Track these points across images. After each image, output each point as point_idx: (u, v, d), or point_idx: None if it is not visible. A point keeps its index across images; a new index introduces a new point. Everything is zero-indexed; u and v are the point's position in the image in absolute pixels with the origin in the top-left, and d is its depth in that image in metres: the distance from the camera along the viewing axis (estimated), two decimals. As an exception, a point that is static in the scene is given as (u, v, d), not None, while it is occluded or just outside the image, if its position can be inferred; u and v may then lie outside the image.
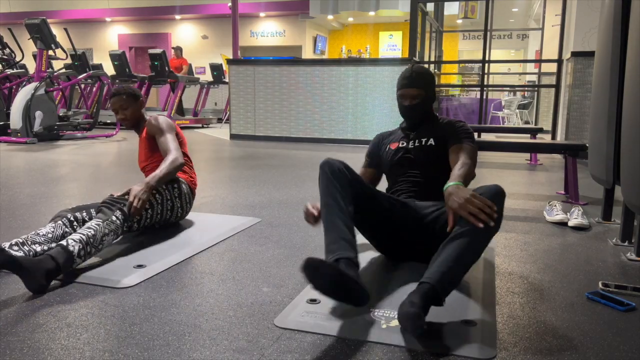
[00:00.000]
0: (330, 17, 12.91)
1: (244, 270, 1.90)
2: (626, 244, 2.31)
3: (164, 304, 1.58)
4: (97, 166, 4.50)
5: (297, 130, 7.00)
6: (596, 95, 2.57)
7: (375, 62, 7.35)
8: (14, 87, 7.73)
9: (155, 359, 1.26)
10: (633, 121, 1.92)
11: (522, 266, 2.02)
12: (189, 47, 14.54)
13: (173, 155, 2.31)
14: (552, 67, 6.88)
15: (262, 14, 14.52)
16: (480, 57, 6.99)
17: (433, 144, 1.99)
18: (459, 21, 13.21)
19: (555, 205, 2.80)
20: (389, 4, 8.24)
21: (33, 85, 6.54)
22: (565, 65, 5.76)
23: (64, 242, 1.75)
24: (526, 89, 10.79)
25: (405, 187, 1.99)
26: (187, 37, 15.19)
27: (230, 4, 9.25)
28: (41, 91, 6.58)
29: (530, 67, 11.48)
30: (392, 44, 15.76)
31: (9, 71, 7.93)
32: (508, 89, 11.19)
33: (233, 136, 7.30)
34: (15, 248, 1.86)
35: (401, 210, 1.88)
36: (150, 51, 9.10)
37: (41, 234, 1.99)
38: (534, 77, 10.81)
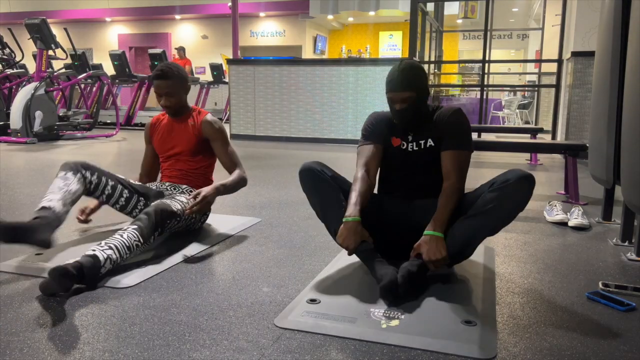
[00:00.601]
0: (330, 17, 12.91)
1: (244, 270, 1.90)
2: (626, 244, 2.31)
3: (164, 304, 1.58)
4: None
5: (297, 130, 7.00)
6: (596, 95, 2.57)
7: (375, 62, 7.35)
8: (14, 87, 7.72)
9: (155, 359, 1.26)
10: (633, 121, 1.92)
11: (522, 266, 2.02)
12: (189, 47, 14.52)
13: (242, 171, 2.37)
14: (552, 67, 6.88)
15: (262, 14, 14.53)
16: (480, 57, 6.99)
17: (432, 144, 1.91)
18: (459, 21, 13.21)
19: (555, 205, 2.80)
20: (389, 4, 8.24)
21: (33, 85, 6.54)
22: (565, 65, 5.76)
23: (95, 253, 1.73)
24: (526, 89, 10.79)
25: (401, 185, 1.97)
26: (187, 37, 15.19)
27: (230, 4, 9.25)
28: (41, 91, 6.57)
29: (530, 67, 11.47)
30: (392, 44, 15.77)
31: (9, 71, 7.92)
32: (508, 89, 11.19)
33: (233, 136, 7.30)
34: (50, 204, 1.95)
35: (391, 208, 1.91)
36: (150, 51, 9.10)
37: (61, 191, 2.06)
38: (534, 77, 10.80)
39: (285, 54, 13.40)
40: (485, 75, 8.15)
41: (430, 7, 8.31)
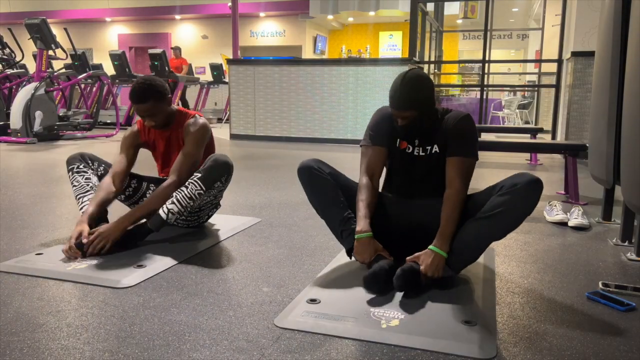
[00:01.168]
0: (330, 17, 12.90)
1: (244, 270, 1.90)
2: (626, 244, 2.31)
3: (164, 304, 1.58)
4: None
5: (297, 130, 7.00)
6: (596, 95, 2.57)
7: (375, 62, 7.35)
8: (14, 87, 7.72)
9: (155, 359, 1.26)
10: (633, 121, 1.92)
11: (522, 266, 2.02)
12: (189, 47, 14.54)
13: (177, 181, 2.12)
14: (552, 67, 6.88)
15: (262, 14, 14.53)
16: (480, 57, 6.99)
17: (438, 151, 1.86)
18: (459, 21, 13.20)
19: (555, 205, 2.80)
20: (389, 4, 8.24)
21: (33, 85, 6.54)
22: (565, 65, 5.76)
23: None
24: (526, 89, 10.79)
25: (405, 186, 1.95)
26: (187, 37, 15.19)
27: (230, 4, 9.25)
28: (41, 91, 6.57)
29: (530, 67, 11.47)
30: (392, 44, 15.76)
31: (9, 71, 7.92)
32: (508, 89, 11.19)
33: (233, 136, 7.30)
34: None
35: (393, 207, 1.92)
36: (150, 51, 9.09)
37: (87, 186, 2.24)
38: (534, 77, 10.80)
39: (285, 54, 13.39)
40: (485, 75, 8.15)
41: (430, 7, 8.31)
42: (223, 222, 2.57)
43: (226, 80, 9.54)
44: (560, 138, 5.87)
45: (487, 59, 7.31)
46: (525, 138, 5.31)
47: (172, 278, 1.81)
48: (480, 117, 6.97)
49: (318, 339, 1.37)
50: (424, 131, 1.86)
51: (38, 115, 6.50)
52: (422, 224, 1.84)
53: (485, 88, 7.65)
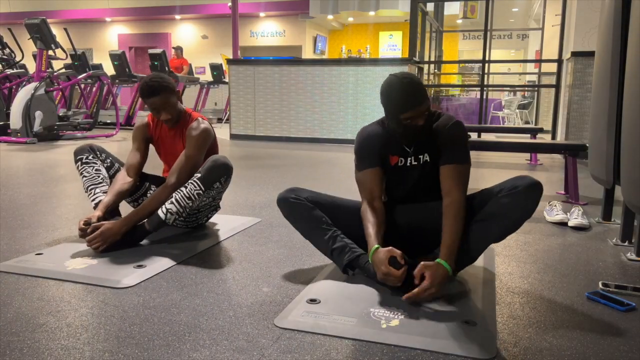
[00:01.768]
0: (330, 17, 12.91)
1: (244, 270, 1.90)
2: (626, 244, 2.31)
3: (164, 304, 1.58)
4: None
5: (297, 130, 7.00)
6: (596, 95, 2.57)
7: (375, 62, 7.36)
8: (14, 87, 7.72)
9: (155, 359, 1.26)
10: (633, 121, 1.92)
11: (522, 266, 2.02)
12: (189, 47, 14.53)
13: (175, 183, 2.13)
14: (552, 67, 6.88)
15: (262, 14, 14.53)
16: (480, 57, 6.99)
17: (428, 160, 1.81)
18: (459, 21, 13.20)
19: (555, 205, 2.80)
20: (389, 4, 8.24)
21: (33, 85, 6.54)
22: (565, 65, 5.76)
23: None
24: (526, 89, 10.79)
25: (401, 196, 1.91)
26: (187, 37, 15.19)
27: (230, 4, 9.25)
28: (41, 91, 6.57)
29: (530, 67, 11.47)
30: (392, 44, 15.76)
31: (9, 71, 7.92)
32: (508, 89, 11.19)
33: (233, 136, 7.30)
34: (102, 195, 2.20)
35: (392, 212, 1.87)
36: (150, 51, 9.09)
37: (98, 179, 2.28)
38: (534, 77, 10.81)
39: (285, 54, 13.39)
40: (485, 75, 8.15)
41: (430, 7, 8.31)
42: (223, 222, 2.56)
43: (226, 80, 9.54)
44: (560, 138, 5.87)
45: (487, 59, 7.31)
46: (525, 138, 5.31)
47: (172, 278, 1.81)
48: (480, 117, 6.97)
49: (318, 339, 1.37)
50: (423, 133, 1.78)
51: (38, 115, 6.50)
52: (419, 226, 1.82)
53: (485, 88, 7.65)
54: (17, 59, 8.36)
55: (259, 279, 1.82)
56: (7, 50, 8.36)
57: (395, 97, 1.71)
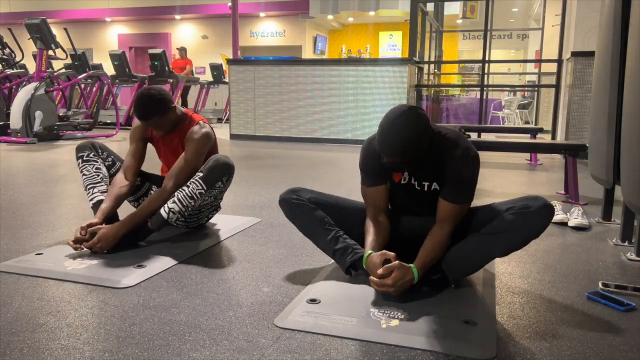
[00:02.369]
0: (330, 17, 12.91)
1: (244, 270, 1.90)
2: (626, 244, 2.31)
3: (164, 304, 1.58)
4: (97, 166, 4.49)
5: (297, 130, 7.00)
6: (596, 95, 2.57)
7: (375, 62, 7.35)
8: (14, 87, 7.72)
9: (155, 359, 1.26)
10: (633, 121, 1.92)
11: (522, 266, 2.02)
12: (189, 47, 14.50)
13: (172, 187, 2.13)
14: (552, 67, 6.88)
15: (262, 14, 14.52)
16: (480, 57, 6.99)
17: (437, 188, 1.74)
18: (459, 21, 13.20)
19: (555, 205, 2.80)
20: (389, 4, 8.24)
21: (33, 85, 6.53)
22: (565, 65, 5.76)
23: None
24: (526, 89, 10.79)
25: (402, 209, 1.88)
26: (187, 37, 15.19)
27: (230, 4, 9.25)
28: (41, 91, 6.57)
29: (530, 67, 11.48)
30: (392, 44, 15.76)
31: (9, 71, 7.92)
32: (508, 89, 11.18)
33: (233, 136, 7.30)
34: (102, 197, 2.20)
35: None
36: (150, 51, 9.09)
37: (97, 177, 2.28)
38: (534, 77, 10.81)
39: (285, 54, 13.39)
40: (485, 75, 8.15)
41: (430, 7, 8.31)
42: (223, 222, 2.56)
43: (226, 80, 9.54)
44: (560, 138, 5.87)
45: (487, 59, 7.31)
46: (525, 138, 5.32)
47: (172, 278, 1.81)
48: (480, 117, 6.97)
49: (318, 339, 1.37)
50: (412, 169, 1.75)
51: (38, 115, 6.49)
52: (420, 234, 1.77)
53: (485, 88, 7.65)
54: (17, 59, 8.36)
55: (259, 279, 1.82)
56: (7, 50, 8.36)
57: (379, 129, 1.62)
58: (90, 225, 2.04)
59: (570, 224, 2.61)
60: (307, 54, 14.59)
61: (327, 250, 1.84)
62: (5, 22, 14.56)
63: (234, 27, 9.19)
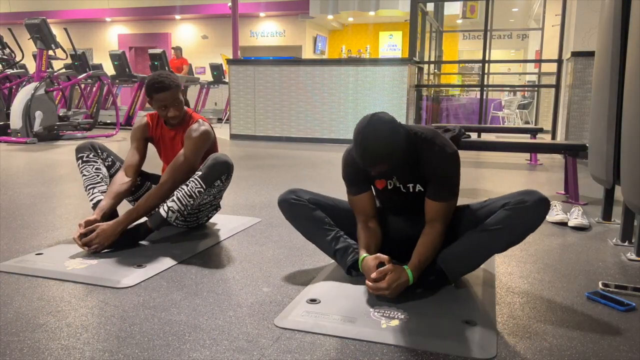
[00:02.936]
0: (330, 17, 12.90)
1: (244, 270, 1.90)
2: (626, 244, 2.31)
3: (164, 304, 1.58)
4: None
5: (297, 130, 7.00)
6: (596, 95, 2.57)
7: (375, 62, 7.35)
8: (14, 87, 7.72)
9: (155, 359, 1.26)
10: (633, 121, 1.92)
11: (522, 266, 2.02)
12: (189, 47, 14.53)
13: (170, 182, 2.13)
14: (552, 67, 6.88)
15: (262, 14, 14.52)
16: (480, 57, 6.99)
17: (422, 189, 1.75)
18: (459, 21, 13.20)
19: (555, 205, 2.80)
20: (389, 4, 8.24)
21: (33, 85, 6.53)
22: (565, 65, 5.76)
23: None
24: (526, 89, 10.78)
25: (391, 210, 1.90)
26: (187, 37, 15.18)
27: (230, 4, 9.25)
28: (41, 91, 6.57)
29: (530, 67, 11.47)
30: (392, 44, 15.75)
31: (9, 71, 7.92)
32: (508, 89, 11.18)
33: (233, 136, 7.30)
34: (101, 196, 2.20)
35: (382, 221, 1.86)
36: (150, 51, 9.09)
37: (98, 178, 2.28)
38: (534, 77, 10.81)
39: (285, 54, 13.39)
40: (485, 75, 8.15)
41: (430, 7, 8.31)
42: (223, 222, 2.56)
43: (226, 80, 9.55)
44: (560, 138, 5.87)
45: (487, 59, 7.31)
46: (525, 138, 5.31)
47: (172, 278, 1.81)
48: (480, 117, 6.97)
49: (318, 339, 1.37)
50: (399, 173, 1.75)
51: (38, 115, 6.49)
52: (412, 235, 1.76)
53: (485, 88, 7.65)
54: (17, 59, 8.36)
55: (259, 279, 1.82)
56: (7, 50, 8.36)
57: (354, 144, 1.58)
58: (87, 222, 2.05)
59: (570, 224, 2.61)
60: (307, 54, 14.58)
61: (327, 251, 1.84)
62: (5, 22, 14.56)
63: (234, 27, 9.19)
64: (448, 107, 10.10)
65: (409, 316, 1.49)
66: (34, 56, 7.61)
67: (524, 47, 14.82)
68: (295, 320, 1.47)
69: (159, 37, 15.40)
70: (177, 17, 14.86)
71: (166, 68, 8.95)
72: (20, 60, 8.30)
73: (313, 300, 1.59)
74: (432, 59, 8.67)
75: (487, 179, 4.09)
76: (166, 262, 1.95)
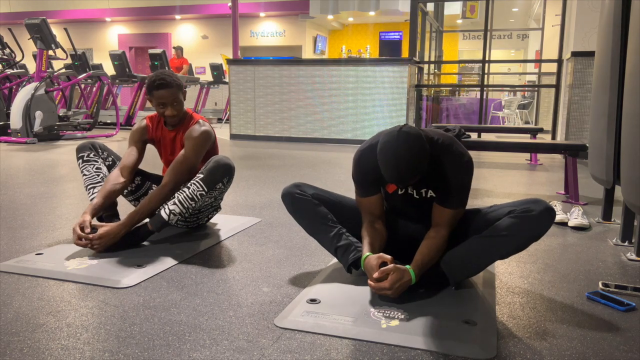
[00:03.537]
0: (330, 17, 12.91)
1: (244, 270, 1.90)
2: (626, 244, 2.31)
3: (164, 304, 1.58)
4: (97, 166, 4.49)
5: (297, 130, 7.00)
6: (596, 95, 2.57)
7: (375, 62, 7.36)
8: (14, 87, 7.72)
9: (155, 359, 1.26)
10: (633, 121, 1.92)
11: (522, 266, 2.02)
12: (189, 47, 14.53)
13: (171, 184, 2.13)
14: (552, 67, 6.88)
15: (262, 14, 14.52)
16: (480, 57, 6.99)
17: (434, 195, 1.74)
18: (459, 21, 13.20)
19: (555, 205, 2.80)
20: (389, 4, 8.24)
21: (33, 85, 6.54)
22: (565, 65, 5.76)
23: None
24: (526, 89, 10.79)
25: (398, 214, 1.89)
26: (187, 37, 15.19)
27: (230, 4, 9.25)
28: (41, 91, 6.57)
29: (530, 67, 11.48)
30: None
31: (9, 71, 7.92)
32: (508, 89, 11.18)
33: (233, 136, 7.30)
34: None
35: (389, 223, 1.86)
36: (151, 51, 9.09)
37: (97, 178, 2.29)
38: (534, 77, 10.81)
39: (285, 54, 13.39)
40: (485, 75, 8.16)
41: (430, 7, 8.31)
42: (223, 222, 2.57)
43: (226, 80, 9.55)
44: (560, 138, 5.87)
45: (487, 59, 7.31)
46: (525, 138, 5.31)
47: (172, 278, 1.81)
48: (480, 117, 6.97)
49: (318, 339, 1.37)
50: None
51: (38, 115, 6.49)
52: (417, 236, 1.78)
53: (485, 88, 7.65)
54: (17, 59, 8.36)
55: (259, 279, 1.82)
56: (7, 50, 8.36)
57: (384, 162, 1.56)
58: (82, 224, 2.02)
59: (570, 224, 2.62)
60: (307, 54, 14.59)
61: (329, 247, 1.83)
62: (5, 22, 14.57)
63: (234, 27, 9.19)
64: (448, 107, 10.10)
65: (409, 316, 1.49)
66: (34, 56, 7.62)
67: (524, 47, 14.83)
68: (295, 320, 1.47)
69: (159, 37, 15.40)
70: (177, 17, 14.86)
71: (166, 68, 8.95)
72: (21, 60, 8.30)
73: (313, 300, 1.59)
74: (432, 59, 8.67)
75: (487, 179, 4.09)
76: (166, 262, 1.95)
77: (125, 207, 2.53)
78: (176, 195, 2.10)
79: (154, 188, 2.42)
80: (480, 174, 4.36)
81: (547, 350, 1.33)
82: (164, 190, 2.12)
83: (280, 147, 6.25)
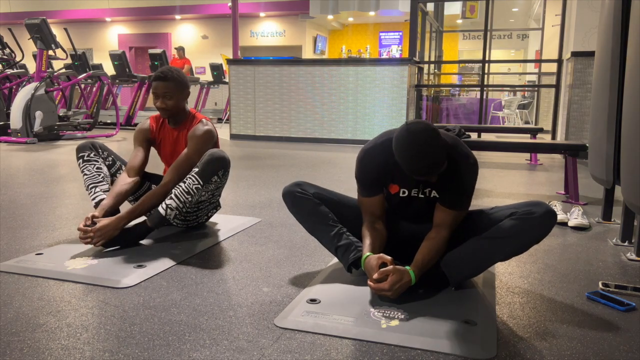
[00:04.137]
0: (330, 17, 12.91)
1: (244, 270, 1.90)
2: (626, 244, 2.31)
3: (164, 304, 1.58)
4: (97, 166, 4.49)
5: (297, 130, 7.00)
6: (596, 95, 2.57)
7: (375, 62, 7.35)
8: (14, 87, 7.72)
9: (155, 359, 1.26)
10: (633, 121, 1.92)
11: (522, 266, 2.02)
12: (189, 47, 14.52)
13: (171, 182, 2.15)
14: (552, 67, 6.88)
15: (262, 14, 14.52)
16: (480, 57, 6.99)
17: (437, 196, 1.74)
18: (459, 21, 13.20)
19: (555, 205, 2.80)
20: (389, 4, 8.24)
21: (33, 85, 6.53)
22: (565, 65, 5.76)
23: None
24: (526, 89, 10.78)
25: (399, 215, 1.89)
26: (187, 37, 15.19)
27: (230, 4, 9.25)
28: (41, 91, 6.57)
29: (530, 67, 11.48)
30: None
31: (9, 71, 7.92)
32: (508, 89, 11.18)
33: (233, 136, 7.30)
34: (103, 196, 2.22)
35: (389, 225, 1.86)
36: (151, 51, 9.09)
37: (99, 177, 2.30)
38: (534, 77, 10.81)
39: (285, 54, 13.39)
40: (485, 75, 8.15)
41: (430, 7, 8.31)
42: (223, 222, 2.57)
43: (226, 80, 9.55)
44: (560, 138, 5.87)
45: (487, 59, 7.31)
46: (525, 138, 5.31)
47: (172, 278, 1.81)
48: (480, 117, 6.97)
49: (318, 339, 1.37)
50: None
51: (38, 115, 6.49)
52: (418, 237, 1.78)
53: (485, 88, 7.65)
54: (17, 59, 8.36)
55: (259, 279, 1.82)
56: (7, 50, 8.36)
57: (405, 157, 1.53)
58: (93, 217, 2.07)
59: (570, 224, 2.62)
60: (307, 54, 14.59)
61: (329, 246, 1.83)
62: (5, 22, 14.57)
63: (234, 27, 9.19)
64: (448, 107, 10.10)
65: (409, 316, 1.49)
66: (34, 56, 7.62)
67: (524, 47, 14.82)
68: (295, 320, 1.47)
69: (159, 37, 15.40)
70: (177, 17, 14.86)
71: (167, 68, 8.94)
72: (20, 60, 8.30)
73: (313, 300, 1.59)
74: (432, 59, 8.67)
75: (487, 179, 4.09)
76: (166, 262, 1.95)
77: (125, 207, 2.53)
78: (172, 190, 2.11)
79: (153, 188, 2.42)
80: (480, 174, 4.36)
81: (547, 350, 1.33)
82: (165, 187, 2.14)
83: (280, 147, 6.25)
